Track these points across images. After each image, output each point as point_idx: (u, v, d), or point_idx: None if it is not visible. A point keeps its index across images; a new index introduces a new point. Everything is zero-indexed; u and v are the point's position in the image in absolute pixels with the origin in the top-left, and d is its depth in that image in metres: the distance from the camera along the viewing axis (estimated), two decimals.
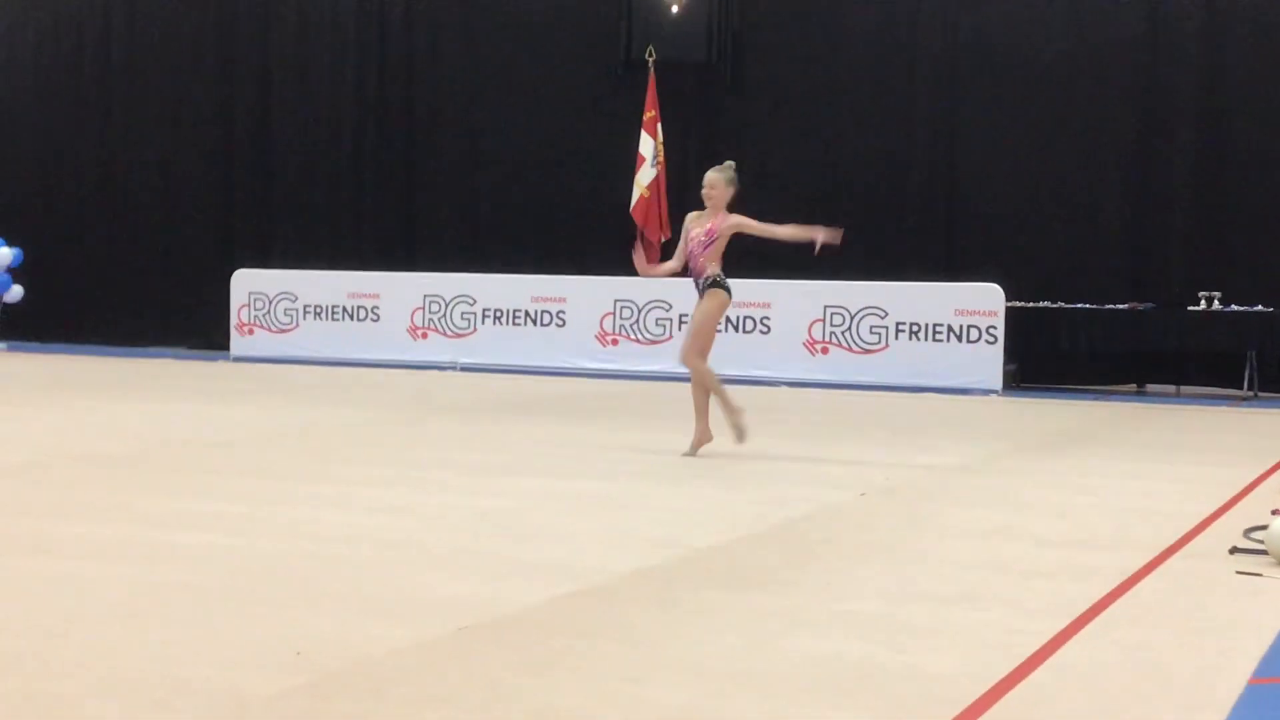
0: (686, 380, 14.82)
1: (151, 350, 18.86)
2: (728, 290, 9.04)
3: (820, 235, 8.80)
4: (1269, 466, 9.01)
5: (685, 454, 8.94)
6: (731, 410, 8.95)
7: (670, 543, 6.10)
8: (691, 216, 9.17)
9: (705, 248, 8.98)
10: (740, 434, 8.96)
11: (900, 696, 3.95)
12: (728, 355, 15.33)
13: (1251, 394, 14.43)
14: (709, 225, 9.00)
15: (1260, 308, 14.26)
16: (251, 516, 6.57)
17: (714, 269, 9.00)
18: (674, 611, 4.91)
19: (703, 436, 9.03)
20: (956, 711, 3.81)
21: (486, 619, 4.70)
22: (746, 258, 15.90)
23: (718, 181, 9.03)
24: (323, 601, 4.96)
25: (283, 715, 3.71)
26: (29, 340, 19.25)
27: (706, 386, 9.04)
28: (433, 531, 6.29)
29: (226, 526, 6.29)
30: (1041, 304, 14.97)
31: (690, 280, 9.13)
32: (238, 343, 17.73)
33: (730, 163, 9.21)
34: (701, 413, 9.06)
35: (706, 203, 9.08)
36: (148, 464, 8.37)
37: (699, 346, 9.12)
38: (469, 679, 4.06)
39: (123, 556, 5.63)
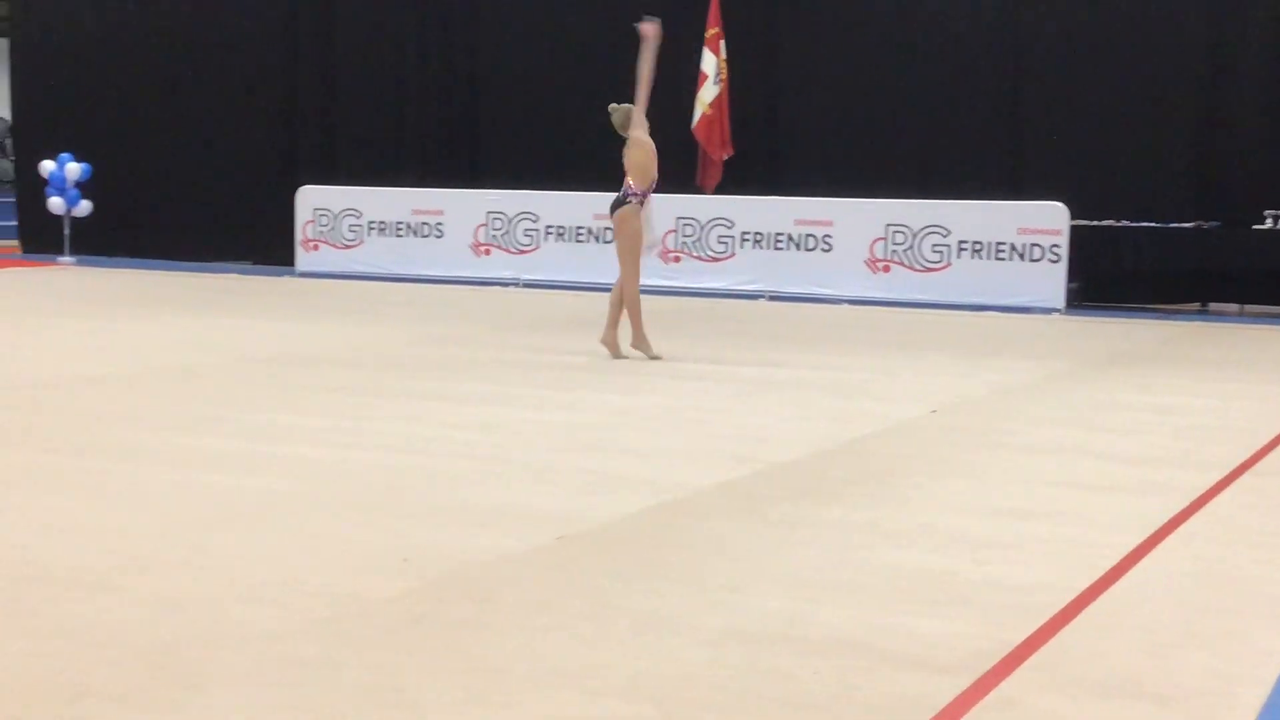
0: (746, 298, 14.91)
1: (215, 265, 19.12)
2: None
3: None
4: None
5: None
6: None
7: (748, 458, 6.26)
8: None
9: None
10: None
11: (985, 607, 4.11)
12: (790, 273, 15.54)
13: None
14: None
15: None
16: (345, 431, 6.79)
17: None
18: (761, 524, 5.08)
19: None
20: (1041, 622, 3.96)
21: (583, 530, 4.90)
22: (811, 175, 16.04)
23: None
24: (423, 512, 5.17)
25: (402, 617, 3.92)
26: (96, 255, 19.53)
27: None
28: (520, 446, 6.48)
29: (323, 440, 6.51)
30: (1105, 222, 14.93)
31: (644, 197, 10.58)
32: (303, 258, 17.95)
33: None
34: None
35: None
36: (234, 378, 8.60)
37: None
38: (573, 586, 4.25)
39: (230, 467, 5.87)
